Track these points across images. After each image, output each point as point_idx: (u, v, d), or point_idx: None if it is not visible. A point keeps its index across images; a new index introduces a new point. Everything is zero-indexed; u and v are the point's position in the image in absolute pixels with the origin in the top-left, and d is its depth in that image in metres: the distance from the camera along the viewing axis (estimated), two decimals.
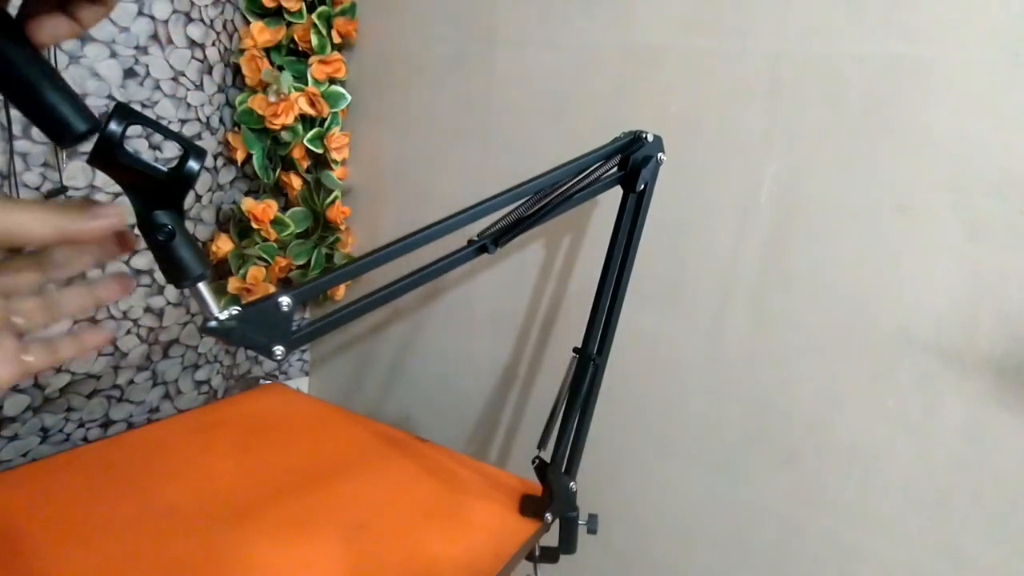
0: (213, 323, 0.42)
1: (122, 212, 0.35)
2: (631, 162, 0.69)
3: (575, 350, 0.74)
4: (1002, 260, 0.69)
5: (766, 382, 0.84)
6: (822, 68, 0.76)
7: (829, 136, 0.76)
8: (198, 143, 0.99)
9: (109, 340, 0.38)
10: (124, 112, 0.34)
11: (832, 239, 0.78)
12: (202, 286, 0.39)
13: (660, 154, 0.70)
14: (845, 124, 0.75)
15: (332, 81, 1.09)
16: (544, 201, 0.65)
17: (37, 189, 0.81)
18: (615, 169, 0.69)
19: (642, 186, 0.69)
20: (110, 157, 0.35)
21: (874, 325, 0.76)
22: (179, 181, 0.36)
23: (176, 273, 0.38)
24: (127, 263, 0.92)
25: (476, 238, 0.63)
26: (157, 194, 0.37)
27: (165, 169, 0.36)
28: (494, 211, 0.59)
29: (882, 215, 0.74)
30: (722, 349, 0.87)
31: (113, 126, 0.34)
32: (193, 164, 0.36)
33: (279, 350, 0.45)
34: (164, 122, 0.94)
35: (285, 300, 0.45)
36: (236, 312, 0.42)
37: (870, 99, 0.73)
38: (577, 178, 0.66)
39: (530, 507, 0.76)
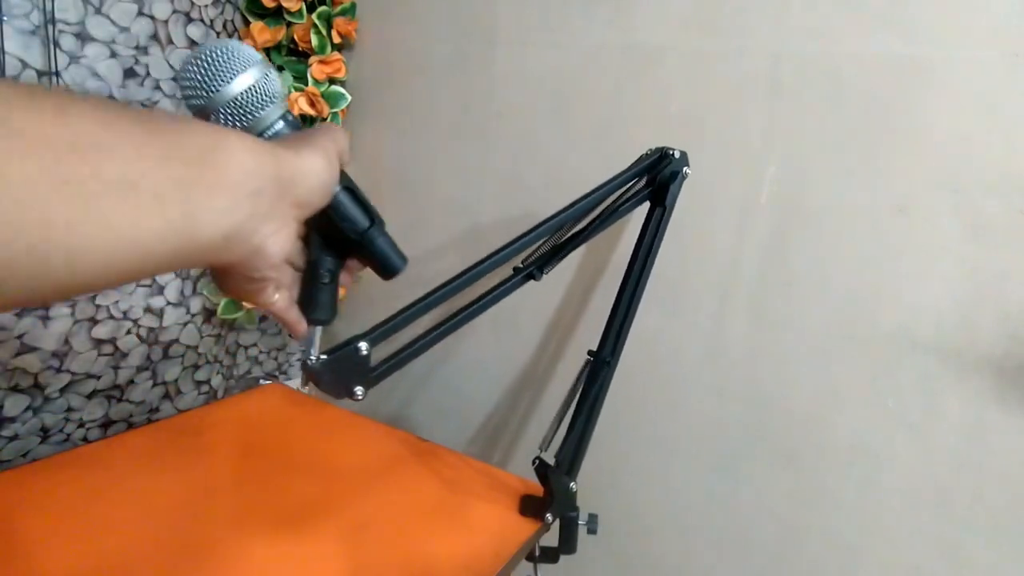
0: (311, 362, 0.47)
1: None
2: (659, 178, 0.71)
3: (590, 353, 0.74)
4: (1002, 260, 0.69)
5: (766, 382, 0.84)
6: (822, 68, 0.76)
7: (829, 136, 0.76)
8: None
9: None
10: (346, 178, 0.41)
11: (832, 239, 0.78)
12: (319, 329, 0.45)
13: (686, 168, 0.72)
14: (845, 124, 0.75)
15: (332, 81, 1.09)
16: (584, 223, 0.68)
17: None
18: (643, 185, 0.72)
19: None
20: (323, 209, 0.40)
21: (874, 325, 0.76)
22: (360, 243, 0.42)
23: (309, 308, 0.43)
24: None
25: (521, 266, 0.65)
26: (334, 242, 0.42)
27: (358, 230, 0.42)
28: (541, 238, 0.61)
29: (882, 215, 0.74)
30: (722, 349, 0.87)
31: (336, 188, 0.40)
32: (374, 232, 0.42)
33: (359, 390, 0.50)
34: None
35: (363, 345, 0.50)
36: (324, 358, 0.48)
37: (870, 99, 0.73)
38: (612, 198, 0.68)
39: (530, 507, 0.76)
